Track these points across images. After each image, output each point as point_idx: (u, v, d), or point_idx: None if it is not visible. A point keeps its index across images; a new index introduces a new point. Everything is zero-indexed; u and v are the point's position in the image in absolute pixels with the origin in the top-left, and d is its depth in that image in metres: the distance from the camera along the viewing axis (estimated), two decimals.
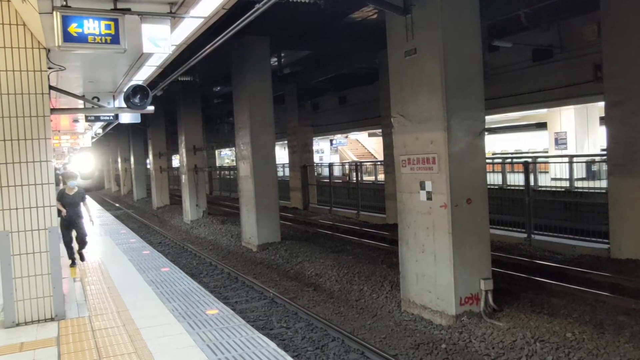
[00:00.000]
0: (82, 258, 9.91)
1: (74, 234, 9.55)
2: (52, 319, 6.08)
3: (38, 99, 6.02)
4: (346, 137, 37.64)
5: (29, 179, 6.00)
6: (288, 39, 14.98)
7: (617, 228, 10.28)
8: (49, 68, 6.52)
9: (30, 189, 6.00)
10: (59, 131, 18.09)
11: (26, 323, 6.01)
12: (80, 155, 41.81)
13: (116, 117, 11.11)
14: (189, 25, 5.63)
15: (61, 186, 9.94)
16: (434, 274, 7.95)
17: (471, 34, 7.88)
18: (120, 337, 5.56)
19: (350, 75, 21.12)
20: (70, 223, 9.33)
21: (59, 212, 8.68)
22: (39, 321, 6.06)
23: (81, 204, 9.48)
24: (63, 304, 6.33)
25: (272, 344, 5.29)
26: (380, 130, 20.29)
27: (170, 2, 4.96)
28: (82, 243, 9.68)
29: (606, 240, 10.66)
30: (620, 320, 7.23)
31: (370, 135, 37.64)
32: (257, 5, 5.95)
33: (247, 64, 14.70)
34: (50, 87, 6.40)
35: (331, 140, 38.76)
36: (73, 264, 9.46)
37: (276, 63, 18.75)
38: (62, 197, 9.13)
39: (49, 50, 6.19)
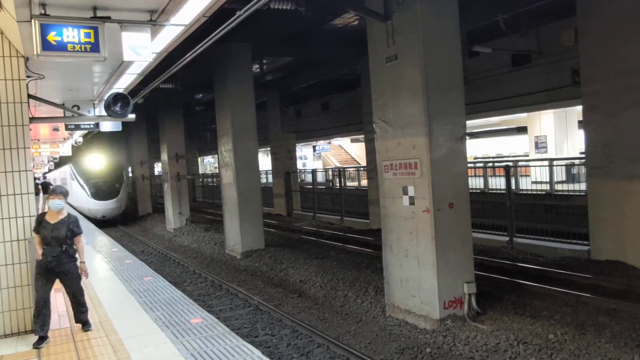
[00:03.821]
0: (85, 325, 6.14)
1: (54, 290, 5.94)
2: (32, 331, 5.97)
3: (17, 108, 5.94)
4: (329, 143, 37.71)
5: (8, 189, 5.91)
6: (270, 45, 15.01)
7: (597, 230, 10.43)
8: (28, 76, 6.45)
9: (10, 199, 5.92)
10: (38, 140, 17.86)
11: (5, 336, 5.90)
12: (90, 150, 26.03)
13: (97, 125, 10.99)
14: (170, 33, 5.61)
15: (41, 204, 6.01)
16: (418, 278, 7.99)
17: (451, 40, 7.98)
18: (103, 347, 5.48)
19: (332, 81, 21.20)
20: (49, 271, 5.69)
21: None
22: (18, 333, 5.96)
23: (72, 239, 5.83)
24: None
25: (257, 352, 5.27)
26: (362, 136, 20.37)
27: (150, 10, 4.94)
28: (78, 306, 6.03)
29: (586, 242, 10.80)
30: (601, 320, 7.33)
31: (353, 141, 37.71)
32: (238, 12, 5.96)
33: (229, 71, 14.68)
34: (29, 96, 6.32)
35: (314, 147, 38.79)
36: (39, 342, 5.61)
37: (258, 70, 18.76)
38: (38, 227, 5.75)
39: (27, 59, 6.12)
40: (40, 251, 5.69)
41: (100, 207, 24.58)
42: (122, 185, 25.93)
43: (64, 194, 5.98)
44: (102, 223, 23.61)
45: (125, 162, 29.79)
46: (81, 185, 24.92)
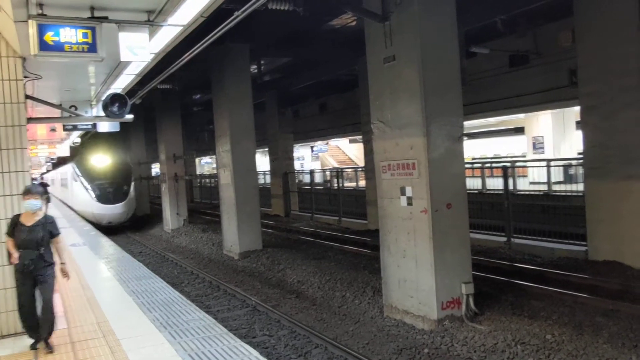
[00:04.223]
0: (47, 346, 5.53)
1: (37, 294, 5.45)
2: None
3: (14, 108, 5.94)
4: (327, 143, 37.72)
5: (5, 189, 5.90)
6: (268, 46, 15.01)
7: (594, 230, 10.44)
8: (25, 77, 6.43)
9: (6, 199, 5.91)
10: (35, 141, 17.83)
11: (2, 336, 5.89)
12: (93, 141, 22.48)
13: (94, 126, 10.97)
14: (168, 34, 5.61)
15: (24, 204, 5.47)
16: (416, 279, 7.99)
17: (449, 41, 7.99)
18: (100, 348, 5.48)
19: (330, 82, 21.19)
20: (27, 275, 5.35)
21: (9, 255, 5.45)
22: (15, 334, 5.94)
23: (48, 242, 5.44)
24: None
25: (255, 353, 5.26)
26: (360, 137, 20.38)
27: (148, 10, 4.94)
28: (45, 320, 5.45)
29: (584, 243, 10.82)
30: (599, 321, 7.34)
31: (351, 141, 37.76)
32: (236, 13, 5.95)
33: (227, 71, 14.68)
34: (27, 96, 6.32)
35: (312, 147, 38.80)
36: (36, 343, 5.56)
37: (256, 70, 18.73)
38: (13, 230, 5.40)
39: (24, 59, 6.12)
40: (16, 255, 5.27)
41: (107, 212, 21.81)
42: (131, 187, 23.14)
43: (40, 193, 5.52)
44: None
45: (132, 161, 25.96)
46: (85, 187, 22.30)
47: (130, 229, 23.72)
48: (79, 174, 22.84)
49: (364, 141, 18.54)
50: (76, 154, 23.37)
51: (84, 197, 22.36)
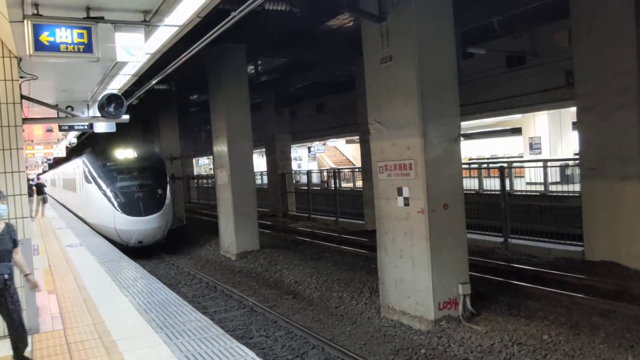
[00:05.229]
0: None
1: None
2: None
3: (9, 109, 5.91)
4: (324, 144, 37.71)
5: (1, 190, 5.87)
6: (265, 46, 15.01)
7: (591, 230, 10.46)
8: (21, 77, 6.41)
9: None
10: (32, 141, 17.76)
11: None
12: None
13: (91, 126, 10.94)
14: (164, 34, 5.59)
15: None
16: (413, 279, 7.99)
17: (446, 41, 8.00)
18: (96, 349, 5.45)
19: (327, 82, 21.21)
20: None
21: None
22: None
23: (10, 254, 4.82)
24: (36, 317, 6.19)
25: (251, 353, 5.24)
26: (357, 137, 20.38)
27: (144, 11, 4.92)
28: (22, 333, 4.92)
29: (580, 243, 10.83)
30: (595, 321, 7.35)
31: (348, 142, 37.78)
32: (233, 13, 5.93)
33: (224, 72, 14.67)
34: (22, 97, 6.29)
35: (309, 148, 38.78)
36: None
37: (253, 70, 18.73)
38: None
39: (20, 59, 6.09)
40: None
41: (135, 227, 15.35)
42: (167, 191, 16.65)
43: (4, 197, 4.98)
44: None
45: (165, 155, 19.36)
46: (103, 192, 15.94)
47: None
48: (94, 173, 16.59)
49: (361, 142, 18.54)
50: (89, 144, 18.57)
51: (102, 207, 15.90)
